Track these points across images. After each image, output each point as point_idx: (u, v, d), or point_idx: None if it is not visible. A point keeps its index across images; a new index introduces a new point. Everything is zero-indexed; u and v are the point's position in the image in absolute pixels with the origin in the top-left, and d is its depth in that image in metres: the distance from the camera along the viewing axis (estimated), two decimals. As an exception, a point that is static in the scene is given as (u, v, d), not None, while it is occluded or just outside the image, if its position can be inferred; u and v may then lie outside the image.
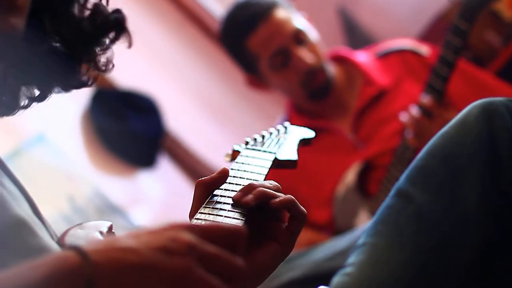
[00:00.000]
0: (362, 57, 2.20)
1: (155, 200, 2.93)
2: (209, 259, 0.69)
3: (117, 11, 0.96)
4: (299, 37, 2.06)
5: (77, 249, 0.67)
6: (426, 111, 1.84)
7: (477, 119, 1.11)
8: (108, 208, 2.68)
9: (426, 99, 1.84)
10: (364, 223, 1.95)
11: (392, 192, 1.13)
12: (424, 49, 2.14)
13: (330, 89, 2.11)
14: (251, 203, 0.87)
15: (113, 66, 0.94)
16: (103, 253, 0.67)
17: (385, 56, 2.19)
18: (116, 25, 0.92)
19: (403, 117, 1.91)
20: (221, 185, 0.92)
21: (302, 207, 0.90)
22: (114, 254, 0.67)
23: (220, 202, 0.88)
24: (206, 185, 0.91)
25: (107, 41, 0.93)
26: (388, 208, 1.12)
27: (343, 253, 1.66)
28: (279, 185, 0.92)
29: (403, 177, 1.13)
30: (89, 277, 0.66)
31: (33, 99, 0.90)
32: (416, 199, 1.10)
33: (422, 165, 1.12)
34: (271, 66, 2.07)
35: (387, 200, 1.12)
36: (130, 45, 0.94)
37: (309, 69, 2.06)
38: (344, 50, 2.24)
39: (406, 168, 1.14)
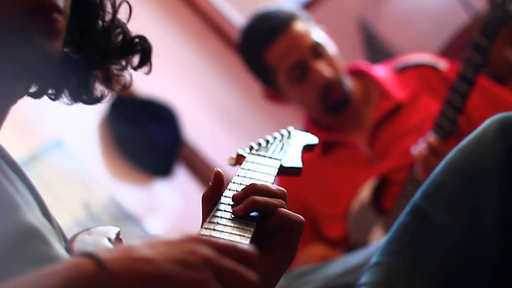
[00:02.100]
0: (379, 71, 2.19)
1: (170, 210, 2.93)
2: (225, 273, 0.69)
3: (143, 38, 0.97)
4: (317, 51, 2.05)
5: (92, 257, 0.67)
6: (433, 150, 1.83)
7: (495, 134, 1.10)
8: (123, 216, 2.68)
9: (431, 137, 1.84)
10: (378, 240, 1.93)
11: (408, 208, 1.11)
12: (442, 64, 2.13)
13: (347, 103, 2.10)
14: (240, 213, 0.86)
15: (128, 87, 0.96)
16: (120, 262, 0.67)
17: (403, 71, 2.17)
18: (141, 52, 0.94)
19: (413, 150, 1.90)
20: (222, 190, 0.90)
21: (297, 215, 0.88)
22: (131, 263, 0.67)
23: (224, 218, 0.85)
24: (209, 197, 0.91)
25: (124, 62, 0.94)
26: (403, 226, 1.10)
27: (357, 269, 1.65)
28: (285, 190, 0.90)
29: (419, 193, 1.11)
30: (106, 286, 0.65)
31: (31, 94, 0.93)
32: (433, 217, 1.08)
33: (440, 181, 1.10)
34: (288, 79, 2.06)
35: (403, 217, 1.10)
36: (149, 72, 0.96)
37: (327, 83, 2.05)
38: (362, 64, 2.24)
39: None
